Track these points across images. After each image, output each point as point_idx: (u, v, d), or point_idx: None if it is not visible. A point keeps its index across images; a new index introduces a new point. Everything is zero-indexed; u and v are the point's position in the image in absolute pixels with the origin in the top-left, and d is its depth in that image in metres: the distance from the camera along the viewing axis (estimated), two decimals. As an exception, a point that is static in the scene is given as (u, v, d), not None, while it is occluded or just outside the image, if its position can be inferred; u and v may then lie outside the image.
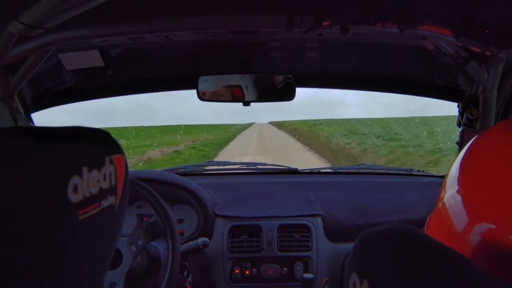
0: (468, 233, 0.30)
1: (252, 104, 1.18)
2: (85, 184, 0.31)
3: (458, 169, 0.34)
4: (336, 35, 0.87)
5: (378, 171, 1.65)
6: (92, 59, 1.13)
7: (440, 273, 0.24)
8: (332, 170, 1.68)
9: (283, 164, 1.60)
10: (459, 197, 0.33)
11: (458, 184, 0.33)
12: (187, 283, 1.06)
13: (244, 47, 1.20)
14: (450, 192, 0.34)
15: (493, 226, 0.29)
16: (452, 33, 0.84)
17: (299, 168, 1.55)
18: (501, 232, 0.29)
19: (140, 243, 0.84)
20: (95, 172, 0.33)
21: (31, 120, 1.20)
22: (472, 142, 0.35)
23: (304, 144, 14.05)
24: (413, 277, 0.25)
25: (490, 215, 0.30)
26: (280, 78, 1.15)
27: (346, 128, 17.35)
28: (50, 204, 0.29)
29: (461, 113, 1.18)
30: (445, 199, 0.35)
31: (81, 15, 0.63)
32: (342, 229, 1.24)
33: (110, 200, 0.35)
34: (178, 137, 17.43)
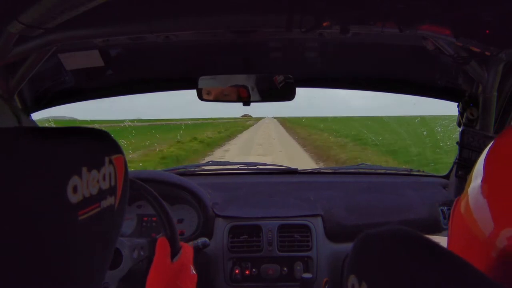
0: (495, 238, 0.29)
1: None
2: (84, 184, 0.31)
3: (482, 170, 0.33)
4: (336, 35, 0.87)
5: (378, 171, 1.65)
6: (92, 59, 1.13)
7: (440, 276, 0.24)
8: (332, 170, 1.68)
9: (283, 164, 1.60)
10: (484, 200, 0.31)
11: (482, 186, 0.32)
12: None
13: (244, 47, 1.20)
14: (474, 195, 0.33)
15: None
16: (452, 33, 0.84)
17: (299, 168, 1.55)
18: None
19: (142, 253, 0.83)
20: (94, 172, 0.33)
21: (31, 120, 1.20)
22: (496, 142, 0.34)
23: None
24: (412, 279, 0.25)
25: None
26: (280, 78, 1.15)
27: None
28: (49, 204, 0.29)
29: (461, 113, 1.18)
30: (469, 202, 0.34)
31: (81, 15, 0.63)
32: (342, 229, 1.24)
33: (109, 201, 0.35)
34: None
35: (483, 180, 0.32)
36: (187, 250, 0.75)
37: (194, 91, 1.16)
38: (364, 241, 0.30)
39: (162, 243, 0.73)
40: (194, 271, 0.75)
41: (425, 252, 0.26)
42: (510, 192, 0.29)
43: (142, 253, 0.83)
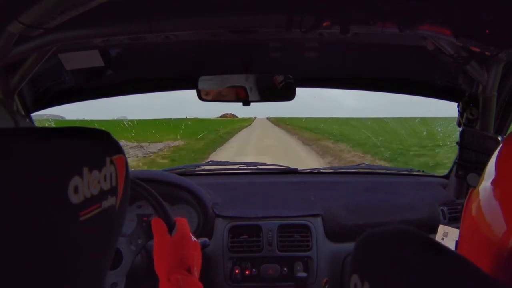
0: (507, 240, 0.29)
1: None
2: (85, 184, 0.31)
3: (493, 172, 0.33)
4: (336, 35, 0.87)
5: (378, 171, 1.65)
6: (92, 59, 1.13)
7: (442, 276, 0.24)
8: (332, 170, 1.68)
9: (283, 164, 1.60)
10: (496, 203, 0.31)
11: (494, 188, 0.32)
12: None
13: (244, 47, 1.20)
14: (486, 197, 0.33)
15: None
16: (452, 33, 0.84)
17: (299, 168, 1.55)
18: None
19: (139, 242, 0.85)
20: (95, 172, 0.33)
21: (31, 120, 1.20)
22: (506, 142, 0.34)
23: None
24: (415, 279, 0.25)
25: None
26: (280, 78, 1.15)
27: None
28: (51, 205, 0.29)
29: (461, 113, 1.18)
30: (481, 204, 0.33)
31: (81, 15, 0.62)
32: (342, 229, 1.24)
33: (110, 201, 0.35)
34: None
35: (494, 182, 0.32)
36: (182, 222, 0.78)
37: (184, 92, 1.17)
38: (367, 241, 0.30)
39: (157, 222, 0.75)
40: (195, 238, 0.76)
41: (428, 252, 0.26)
42: None
43: (139, 241, 0.85)
